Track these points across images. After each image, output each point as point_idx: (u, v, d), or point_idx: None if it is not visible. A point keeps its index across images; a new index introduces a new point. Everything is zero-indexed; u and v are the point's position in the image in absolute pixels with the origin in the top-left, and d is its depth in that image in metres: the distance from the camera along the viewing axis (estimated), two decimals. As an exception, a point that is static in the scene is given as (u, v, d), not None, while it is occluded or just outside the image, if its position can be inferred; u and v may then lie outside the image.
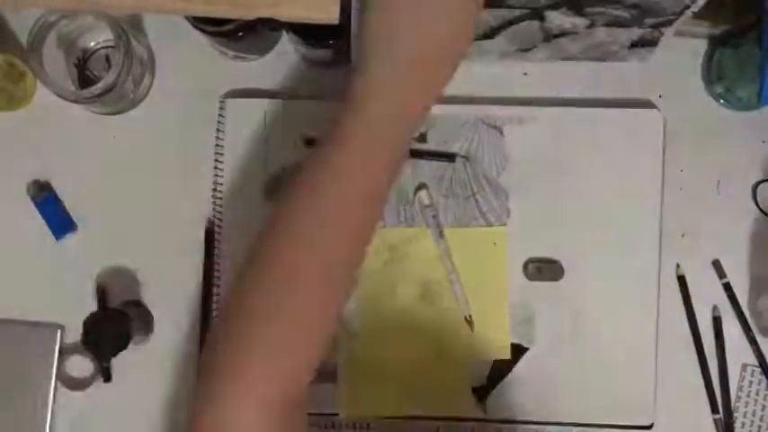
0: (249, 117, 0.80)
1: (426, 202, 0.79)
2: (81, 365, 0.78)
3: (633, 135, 0.80)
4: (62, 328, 0.79)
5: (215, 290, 0.79)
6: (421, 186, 0.80)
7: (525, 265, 0.80)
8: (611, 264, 0.80)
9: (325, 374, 0.79)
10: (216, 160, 0.80)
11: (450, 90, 0.80)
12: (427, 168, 0.80)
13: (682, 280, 0.81)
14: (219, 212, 0.79)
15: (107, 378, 0.78)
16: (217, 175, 0.80)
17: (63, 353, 0.78)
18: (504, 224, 0.80)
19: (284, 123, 0.80)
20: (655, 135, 0.80)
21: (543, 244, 0.80)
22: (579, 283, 0.80)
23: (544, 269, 0.80)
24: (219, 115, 0.80)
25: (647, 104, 0.82)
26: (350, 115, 0.56)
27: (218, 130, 0.80)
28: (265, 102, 0.80)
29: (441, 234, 0.79)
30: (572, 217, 0.80)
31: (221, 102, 0.80)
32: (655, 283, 0.80)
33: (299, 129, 0.80)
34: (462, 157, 0.80)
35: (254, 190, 0.79)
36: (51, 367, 0.78)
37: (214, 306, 0.79)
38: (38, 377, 0.78)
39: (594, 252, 0.80)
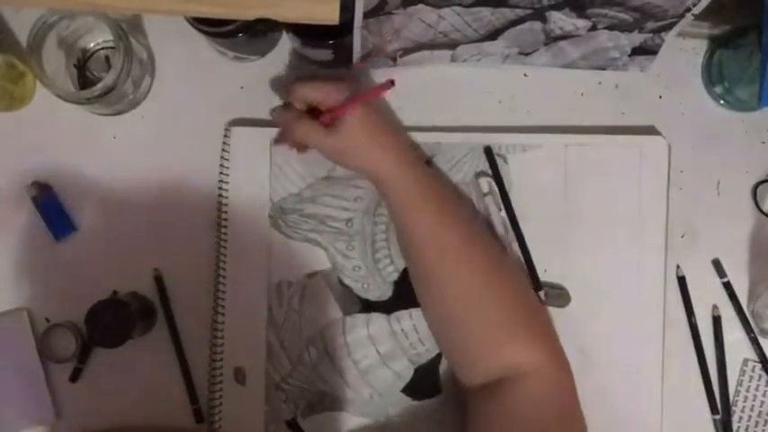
0: (254, 146, 0.79)
1: (485, 189, 0.79)
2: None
3: (638, 162, 0.80)
4: (27, 310, 0.79)
5: (220, 318, 0.78)
6: (480, 174, 0.80)
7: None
8: (616, 291, 0.80)
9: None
10: (220, 188, 0.79)
11: (454, 118, 0.80)
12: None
13: (682, 281, 0.81)
14: (225, 240, 0.79)
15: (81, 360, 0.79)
16: (221, 203, 0.79)
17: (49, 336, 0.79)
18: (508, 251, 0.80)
19: (289, 152, 0.79)
20: (659, 162, 0.80)
21: (549, 270, 0.80)
22: (586, 310, 0.79)
23: (551, 294, 0.79)
24: (224, 143, 0.79)
25: (651, 131, 0.82)
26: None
27: (222, 158, 0.79)
28: (271, 131, 0.79)
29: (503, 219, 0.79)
30: (577, 244, 0.80)
31: (226, 129, 0.79)
32: (660, 310, 0.80)
33: (304, 157, 0.79)
34: (486, 174, 0.80)
35: (259, 217, 0.79)
36: (33, 350, 0.78)
37: (220, 320, 0.79)
38: (24, 364, 0.78)
39: (600, 279, 0.80)
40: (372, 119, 0.73)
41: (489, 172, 0.80)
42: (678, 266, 0.81)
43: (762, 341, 0.80)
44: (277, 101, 0.80)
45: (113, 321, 0.73)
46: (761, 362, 0.80)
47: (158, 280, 0.80)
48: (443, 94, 0.81)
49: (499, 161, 0.80)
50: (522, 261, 0.79)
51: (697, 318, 0.81)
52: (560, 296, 0.80)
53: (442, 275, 0.72)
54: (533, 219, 0.80)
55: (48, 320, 0.79)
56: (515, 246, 0.80)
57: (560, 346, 0.73)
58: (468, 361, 0.73)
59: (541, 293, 0.79)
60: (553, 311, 0.79)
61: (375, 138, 0.73)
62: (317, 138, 0.73)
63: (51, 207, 0.79)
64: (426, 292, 0.75)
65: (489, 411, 0.70)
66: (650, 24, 0.73)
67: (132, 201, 0.80)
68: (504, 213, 0.80)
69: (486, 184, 0.80)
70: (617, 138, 0.81)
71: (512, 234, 0.80)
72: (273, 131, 0.79)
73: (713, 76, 0.82)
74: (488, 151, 0.80)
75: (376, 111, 0.74)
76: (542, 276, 0.80)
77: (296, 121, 0.74)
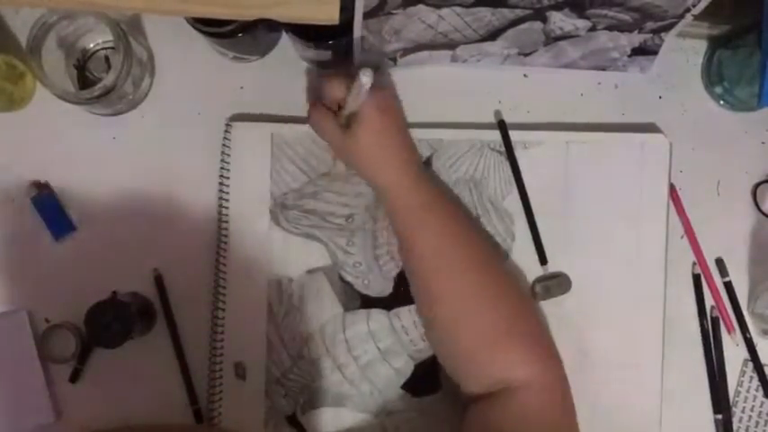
0: (255, 141, 0.79)
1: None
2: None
3: (639, 160, 0.80)
4: (27, 310, 0.79)
5: (221, 313, 0.78)
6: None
7: (533, 287, 0.80)
8: (616, 290, 0.80)
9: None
10: (221, 184, 0.79)
11: (454, 119, 0.80)
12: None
13: (697, 279, 0.81)
14: (225, 236, 0.79)
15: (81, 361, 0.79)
16: (222, 199, 0.79)
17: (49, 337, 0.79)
18: (509, 248, 0.80)
19: (290, 148, 0.79)
20: (660, 159, 0.80)
21: (550, 267, 0.80)
22: (586, 309, 0.80)
23: (551, 286, 0.80)
24: (225, 139, 0.79)
25: (652, 128, 0.82)
26: None
27: (222, 153, 0.79)
28: (271, 126, 0.80)
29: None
30: (577, 242, 0.80)
31: (227, 125, 0.80)
32: (660, 309, 0.80)
33: (305, 153, 0.80)
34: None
35: (260, 214, 0.79)
36: (33, 351, 0.78)
37: (220, 315, 0.79)
38: (24, 364, 0.78)
39: (600, 278, 0.80)
40: (390, 130, 0.73)
41: (499, 149, 0.80)
42: (694, 263, 0.81)
43: (760, 342, 0.80)
44: (277, 101, 0.80)
45: (113, 321, 0.73)
46: (753, 362, 0.80)
47: (158, 280, 0.80)
48: (443, 94, 0.81)
49: (500, 158, 0.80)
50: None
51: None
52: (560, 284, 0.80)
53: (437, 291, 0.72)
54: (534, 214, 0.80)
55: (48, 321, 0.79)
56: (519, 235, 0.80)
57: (558, 358, 0.73)
58: (464, 372, 0.73)
59: (542, 286, 0.79)
60: (554, 310, 0.79)
61: (387, 149, 0.73)
62: (333, 135, 0.74)
63: (51, 207, 0.79)
64: (421, 303, 0.75)
65: (485, 421, 0.70)
66: (650, 25, 0.73)
67: (132, 201, 0.80)
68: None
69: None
70: (618, 135, 0.80)
71: (517, 225, 0.80)
72: (274, 126, 0.79)
73: (713, 76, 0.82)
74: (501, 124, 0.80)
75: (396, 121, 0.74)
76: (542, 272, 0.80)
77: (317, 113, 0.75)
